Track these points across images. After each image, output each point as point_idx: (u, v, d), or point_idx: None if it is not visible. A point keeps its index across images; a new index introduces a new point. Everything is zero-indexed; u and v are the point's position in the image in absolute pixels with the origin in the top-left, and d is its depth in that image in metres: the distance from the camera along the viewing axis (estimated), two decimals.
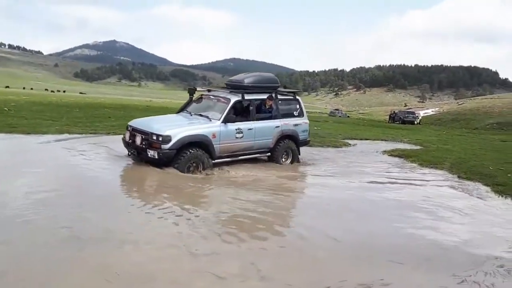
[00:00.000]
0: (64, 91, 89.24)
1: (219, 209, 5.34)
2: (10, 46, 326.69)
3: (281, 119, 8.86)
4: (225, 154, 7.96)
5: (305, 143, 9.69)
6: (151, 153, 7.12)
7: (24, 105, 22.25)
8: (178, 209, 5.20)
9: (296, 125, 9.18)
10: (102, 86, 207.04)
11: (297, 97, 9.60)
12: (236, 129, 7.99)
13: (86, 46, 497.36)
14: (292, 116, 9.20)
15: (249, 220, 5.06)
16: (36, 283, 3.12)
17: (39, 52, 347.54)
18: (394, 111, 52.23)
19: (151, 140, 7.16)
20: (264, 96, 8.68)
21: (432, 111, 66.98)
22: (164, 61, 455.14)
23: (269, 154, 8.84)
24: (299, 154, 9.41)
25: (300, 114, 9.38)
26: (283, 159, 9.04)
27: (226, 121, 7.83)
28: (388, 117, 51.38)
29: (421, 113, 57.52)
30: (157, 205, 5.28)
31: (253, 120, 8.38)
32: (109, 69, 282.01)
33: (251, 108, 8.42)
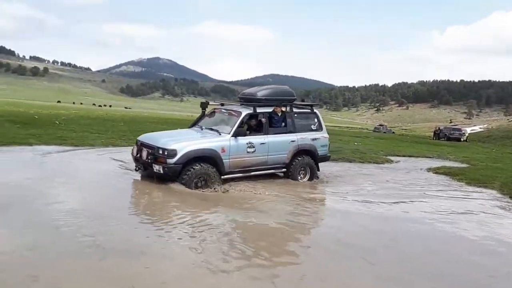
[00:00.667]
0: (110, 106, 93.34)
1: (236, 227, 5.21)
2: (62, 63, 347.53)
3: (297, 133, 8.41)
4: (236, 170, 7.60)
5: (325, 158, 9.12)
6: (156, 167, 6.91)
7: (73, 118, 23.41)
8: (194, 224, 5.16)
9: (314, 139, 8.71)
10: (146, 101, 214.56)
11: (315, 110, 9.13)
12: (247, 143, 7.65)
13: (131, 63, 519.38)
14: (310, 130, 8.73)
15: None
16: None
17: (88, 69, 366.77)
18: (439, 128, 50.27)
19: (156, 154, 6.95)
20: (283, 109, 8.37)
21: (480, 128, 64.13)
22: (205, 77, 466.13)
23: (284, 170, 8.40)
24: (318, 170, 8.91)
25: (319, 128, 8.90)
26: (301, 176, 8.57)
27: (236, 135, 7.52)
28: (432, 133, 49.60)
29: (468, 130, 55.20)
30: (174, 220, 5.30)
31: (266, 134, 8.00)
32: (153, 85, 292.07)
33: (264, 121, 8.08)
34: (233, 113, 7.99)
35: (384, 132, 52.69)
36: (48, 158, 9.37)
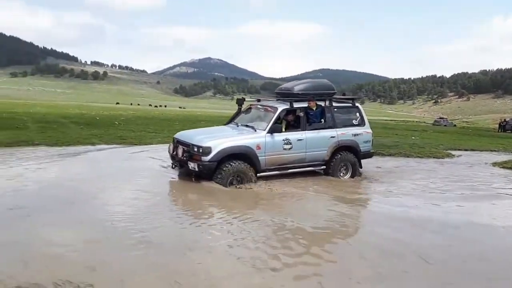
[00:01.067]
0: (165, 106, 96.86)
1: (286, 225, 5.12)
2: (120, 66, 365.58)
3: (337, 129, 8.05)
4: (273, 167, 7.39)
5: (368, 155, 8.66)
6: (191, 165, 6.88)
7: (131, 119, 24.53)
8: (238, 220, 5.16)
9: (355, 135, 8.29)
10: (199, 101, 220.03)
11: (357, 104, 8.64)
12: (283, 140, 7.41)
13: (184, 64, 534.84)
14: (351, 125, 8.33)
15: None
16: (116, 280, 3.36)
17: (143, 71, 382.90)
18: (504, 119, 47.02)
19: (192, 152, 6.92)
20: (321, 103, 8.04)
21: None
22: (254, 75, 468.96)
23: (324, 167, 8.06)
24: (361, 167, 8.49)
25: (361, 123, 8.46)
26: (342, 173, 8.20)
27: (272, 131, 7.31)
28: (497, 125, 46.38)
29: None
30: (219, 218, 5.30)
31: (304, 130, 7.73)
32: (204, 84, 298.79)
33: (301, 117, 7.79)
34: (269, 109, 7.79)
35: (445, 125, 50.11)
36: (110, 156, 9.88)
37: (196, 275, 3.52)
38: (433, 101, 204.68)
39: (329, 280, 3.57)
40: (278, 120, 7.58)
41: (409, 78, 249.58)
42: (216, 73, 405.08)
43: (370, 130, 8.58)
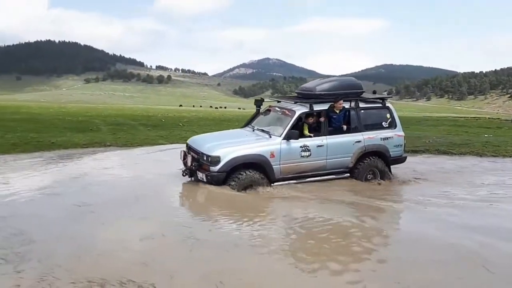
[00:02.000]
0: (225, 107, 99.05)
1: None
2: (182, 70, 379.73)
3: (363, 132, 7.34)
4: (289, 176, 6.88)
5: (399, 160, 7.82)
6: (200, 175, 6.56)
7: (194, 120, 25.39)
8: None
9: (385, 139, 7.50)
10: None
11: (387, 104, 7.76)
12: (301, 147, 6.83)
13: (243, 65, 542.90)
14: (380, 127, 7.56)
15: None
16: (165, 275, 3.48)
17: (205, 74, 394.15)
18: None
19: (201, 160, 6.56)
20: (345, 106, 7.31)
21: None
22: (312, 73, 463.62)
23: (347, 175, 7.39)
24: (391, 174, 7.69)
25: (392, 125, 7.65)
26: (368, 181, 7.44)
27: (288, 137, 6.74)
28: None
29: None
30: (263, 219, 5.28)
31: (324, 134, 7.07)
32: (263, 85, 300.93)
33: (321, 120, 7.12)
34: (287, 112, 7.21)
35: None
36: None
37: (242, 271, 3.62)
38: (508, 95, 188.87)
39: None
40: (297, 125, 7.03)
41: (481, 72, 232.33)
42: (274, 73, 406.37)
43: (402, 133, 7.78)
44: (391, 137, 7.59)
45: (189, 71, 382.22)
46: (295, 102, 7.48)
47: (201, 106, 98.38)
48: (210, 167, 6.39)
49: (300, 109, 7.08)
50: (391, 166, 7.75)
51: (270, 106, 7.91)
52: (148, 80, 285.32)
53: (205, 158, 6.47)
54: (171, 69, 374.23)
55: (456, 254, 4.14)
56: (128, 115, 29.35)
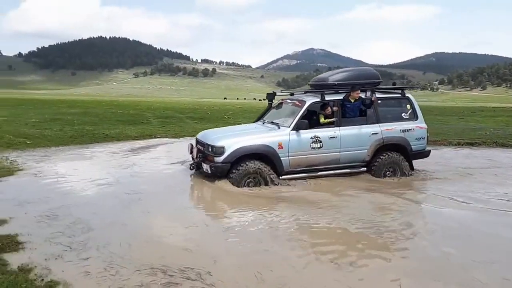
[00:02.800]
0: None
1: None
2: (227, 63, 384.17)
3: (381, 124, 6.91)
4: (299, 169, 6.55)
5: (422, 154, 7.33)
6: (205, 167, 6.37)
7: (239, 113, 25.63)
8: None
9: (405, 131, 7.04)
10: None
11: (408, 94, 7.27)
12: (312, 138, 6.47)
13: (286, 56, 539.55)
14: (400, 119, 7.12)
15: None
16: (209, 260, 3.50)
17: (248, 66, 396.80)
18: None
19: (206, 152, 6.45)
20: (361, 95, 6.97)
21: None
22: (359, 63, 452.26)
23: (364, 169, 6.97)
24: (412, 169, 7.22)
25: (412, 117, 7.19)
26: (387, 177, 6.97)
27: (297, 128, 6.43)
28: None
29: None
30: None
31: (338, 126, 6.70)
32: (307, 76, 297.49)
33: (335, 111, 6.76)
34: (297, 103, 6.93)
35: None
36: None
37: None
38: None
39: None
40: (310, 116, 6.75)
41: None
42: (318, 64, 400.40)
43: (424, 125, 7.26)
44: (411, 129, 7.12)
45: (233, 63, 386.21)
46: (305, 92, 7.34)
47: (245, 99, 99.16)
48: (215, 158, 6.23)
49: (310, 99, 6.83)
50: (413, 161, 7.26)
51: (282, 100, 7.66)
52: (194, 73, 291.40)
53: (210, 149, 6.37)
54: (216, 62, 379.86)
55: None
56: (175, 108, 30.15)
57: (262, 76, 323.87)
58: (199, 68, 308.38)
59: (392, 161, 6.96)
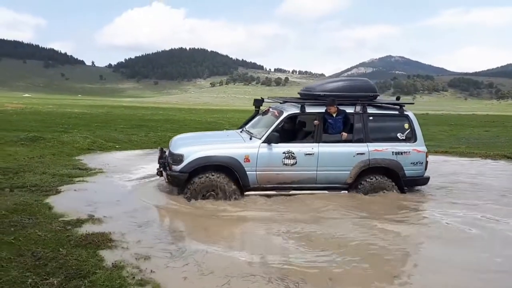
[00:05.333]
0: None
1: None
2: (299, 72, 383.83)
3: (369, 143, 6.13)
4: (269, 185, 5.96)
5: (418, 182, 6.47)
6: (164, 174, 6.02)
7: None
8: None
9: (398, 153, 6.18)
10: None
11: (407, 112, 6.41)
12: (284, 153, 5.85)
13: (362, 64, 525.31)
14: (394, 139, 6.28)
15: None
16: None
17: (322, 75, 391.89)
18: None
19: (167, 159, 6.09)
20: (349, 110, 6.19)
21: None
22: (441, 71, 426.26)
23: (345, 192, 6.18)
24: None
25: (410, 138, 6.33)
26: None
27: (269, 141, 5.84)
28: None
29: None
30: None
31: (317, 142, 6.03)
32: (384, 84, 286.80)
33: (315, 124, 6.11)
34: (276, 113, 6.35)
35: None
36: None
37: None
38: None
39: None
40: (288, 127, 6.26)
41: None
42: (396, 72, 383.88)
43: (423, 148, 6.37)
44: (407, 152, 6.24)
45: (306, 72, 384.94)
46: (284, 102, 6.70)
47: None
48: (173, 166, 5.81)
49: (289, 110, 6.24)
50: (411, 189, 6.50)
51: (270, 106, 7.05)
52: (267, 82, 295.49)
53: (170, 156, 6.01)
54: (288, 71, 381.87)
55: None
56: (248, 116, 30.72)
57: None
58: (272, 77, 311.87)
59: (378, 186, 6.17)
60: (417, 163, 6.29)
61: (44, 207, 5.08)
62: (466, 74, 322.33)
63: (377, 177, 6.19)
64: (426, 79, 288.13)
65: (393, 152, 6.18)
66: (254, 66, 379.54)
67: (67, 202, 5.46)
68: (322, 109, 6.17)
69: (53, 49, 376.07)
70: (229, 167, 5.77)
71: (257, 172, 5.84)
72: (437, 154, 12.62)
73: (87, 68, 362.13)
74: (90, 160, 8.94)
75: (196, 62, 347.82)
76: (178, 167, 5.73)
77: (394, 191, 6.22)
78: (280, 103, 6.77)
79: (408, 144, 6.30)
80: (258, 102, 7.13)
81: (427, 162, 6.38)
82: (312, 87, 6.85)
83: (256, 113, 7.23)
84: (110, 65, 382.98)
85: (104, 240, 4.07)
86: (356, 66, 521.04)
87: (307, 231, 4.74)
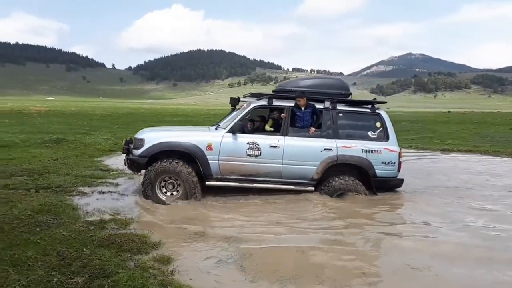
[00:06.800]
0: None
1: None
2: (317, 71, 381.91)
3: (338, 140, 5.99)
4: (232, 177, 5.87)
5: (390, 183, 6.19)
6: (124, 159, 6.02)
7: None
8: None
9: (369, 151, 5.97)
10: (397, 100, 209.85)
11: (379, 111, 6.27)
12: (249, 143, 5.79)
13: (381, 62, 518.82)
14: (365, 138, 6.11)
15: None
16: None
17: (340, 74, 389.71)
18: None
19: (130, 146, 6.09)
20: (318, 106, 6.13)
21: None
22: (464, 68, 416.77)
23: (312, 188, 5.98)
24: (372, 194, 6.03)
25: (382, 137, 6.14)
26: None
27: (233, 131, 5.84)
28: None
29: None
30: None
31: (284, 135, 5.96)
32: (404, 82, 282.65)
33: (282, 117, 6.08)
34: (245, 105, 6.36)
35: None
36: None
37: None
38: None
39: None
40: (246, 119, 6.24)
41: None
42: (417, 69, 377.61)
43: (396, 148, 6.13)
44: (377, 150, 6.01)
45: (324, 71, 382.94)
46: (251, 95, 6.81)
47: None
48: (133, 151, 5.87)
49: (255, 102, 6.23)
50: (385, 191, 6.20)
51: (244, 102, 6.95)
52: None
53: (132, 142, 6.08)
54: (306, 70, 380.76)
55: None
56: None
57: (354, 83, 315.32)
58: (290, 76, 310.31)
59: (346, 187, 5.96)
60: (389, 162, 6.06)
61: (68, 207, 5.17)
62: (490, 70, 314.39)
63: (346, 176, 6.00)
64: (448, 76, 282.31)
65: (362, 149, 6.00)
66: (272, 66, 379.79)
67: (90, 202, 5.55)
68: (291, 103, 6.14)
69: (74, 52, 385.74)
70: (189, 153, 5.74)
71: (220, 162, 5.79)
72: (461, 153, 12.36)
73: (108, 71, 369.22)
74: (112, 161, 9.08)
75: (214, 63, 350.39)
76: (138, 152, 5.79)
77: (363, 194, 5.96)
78: (257, 99, 6.57)
79: (379, 142, 6.10)
80: (234, 101, 7.09)
81: (400, 162, 6.12)
82: (285, 84, 6.95)
83: (232, 111, 7.06)
84: (130, 68, 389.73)
85: (126, 241, 4.10)
86: (376, 64, 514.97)
87: None
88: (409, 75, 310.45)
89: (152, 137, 5.87)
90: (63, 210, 5.02)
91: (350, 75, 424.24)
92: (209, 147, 5.76)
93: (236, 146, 5.81)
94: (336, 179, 5.97)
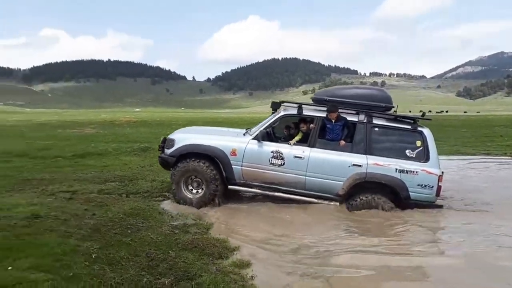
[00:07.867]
0: (446, 111, 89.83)
1: None
2: (397, 74, 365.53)
3: (369, 155, 5.58)
4: (255, 183, 5.84)
5: (424, 206, 5.57)
6: (159, 157, 6.46)
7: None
8: None
9: (404, 171, 5.46)
10: (487, 103, 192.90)
11: (422, 128, 5.71)
12: (272, 152, 5.71)
13: (469, 63, 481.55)
14: (401, 156, 5.59)
15: None
16: None
17: (422, 77, 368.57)
18: None
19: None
20: (351, 118, 5.77)
21: None
22: None
23: (337, 204, 5.65)
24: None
25: (421, 157, 5.56)
26: None
27: (258, 138, 5.79)
28: None
29: None
30: None
31: (311, 146, 5.73)
32: (495, 83, 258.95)
33: (310, 128, 5.87)
34: (276, 113, 6.26)
35: None
36: None
37: None
38: None
39: None
40: (274, 126, 6.24)
41: None
42: (510, 69, 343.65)
43: (436, 171, 5.51)
44: (414, 171, 5.50)
45: (404, 75, 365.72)
46: (281, 102, 6.53)
47: (421, 111, 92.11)
48: (165, 150, 6.25)
49: (285, 111, 6.15)
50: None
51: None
52: None
53: (166, 141, 6.39)
54: (385, 74, 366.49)
55: None
56: None
57: (438, 86, 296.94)
58: (367, 81, 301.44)
59: (375, 203, 5.59)
60: (426, 186, 5.55)
61: (155, 211, 5.51)
62: None
63: (376, 195, 5.63)
64: None
65: (396, 169, 5.56)
66: (347, 71, 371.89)
67: (174, 207, 5.85)
68: (322, 114, 5.93)
69: (159, 66, 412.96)
70: (215, 157, 5.88)
71: (243, 168, 5.84)
72: None
73: (189, 83, 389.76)
74: None
75: (289, 71, 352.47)
76: (169, 151, 6.15)
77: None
78: (299, 107, 6.29)
79: (417, 163, 5.60)
80: (275, 105, 6.88)
81: (440, 186, 5.56)
82: (321, 92, 6.70)
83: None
84: (209, 79, 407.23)
85: (208, 245, 4.26)
86: (462, 66, 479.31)
87: None
88: (501, 76, 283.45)
89: (182, 138, 6.18)
90: (151, 214, 5.36)
91: (433, 77, 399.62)
92: (233, 153, 5.86)
93: (260, 153, 5.82)
94: (366, 195, 5.64)
